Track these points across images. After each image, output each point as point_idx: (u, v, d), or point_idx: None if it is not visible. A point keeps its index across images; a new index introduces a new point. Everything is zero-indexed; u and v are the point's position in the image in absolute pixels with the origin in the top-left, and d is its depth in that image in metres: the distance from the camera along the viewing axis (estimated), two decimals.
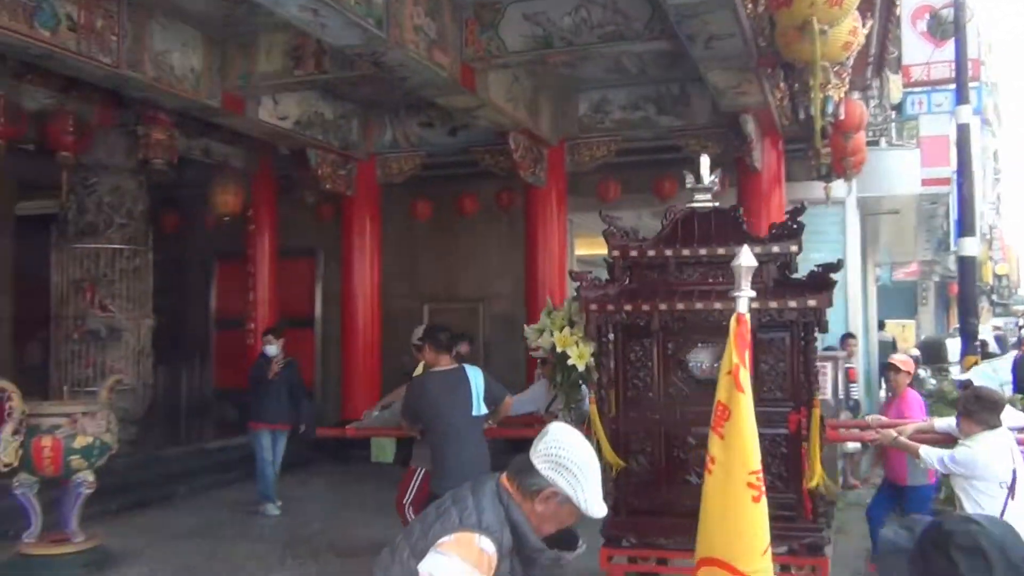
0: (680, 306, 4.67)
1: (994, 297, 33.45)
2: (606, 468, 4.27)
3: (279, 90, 8.66)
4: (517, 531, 2.24)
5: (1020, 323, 26.87)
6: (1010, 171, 41.19)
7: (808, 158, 10.12)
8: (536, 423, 5.47)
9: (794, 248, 4.76)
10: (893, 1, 8.70)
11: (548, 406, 6.18)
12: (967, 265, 10.08)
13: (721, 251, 4.83)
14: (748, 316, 3.01)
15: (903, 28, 11.01)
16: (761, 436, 3.08)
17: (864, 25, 6.49)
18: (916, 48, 11.87)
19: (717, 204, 5.06)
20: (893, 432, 5.16)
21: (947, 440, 4.83)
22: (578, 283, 4.98)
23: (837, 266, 4.69)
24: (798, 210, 4.95)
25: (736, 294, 3.01)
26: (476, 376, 5.23)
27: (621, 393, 5.01)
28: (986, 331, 15.37)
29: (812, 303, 4.48)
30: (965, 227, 10.08)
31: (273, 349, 8.31)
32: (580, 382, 5.91)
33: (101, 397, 6.63)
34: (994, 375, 8.46)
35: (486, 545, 2.15)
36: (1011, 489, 4.40)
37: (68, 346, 9.22)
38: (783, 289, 4.61)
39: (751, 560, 2.88)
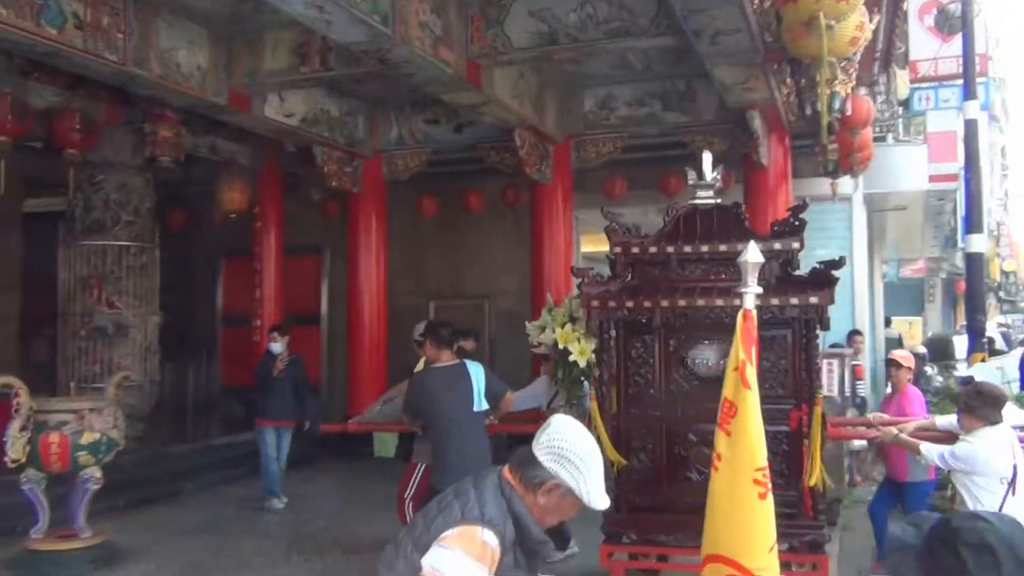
0: (682, 303, 4.67)
1: (1001, 294, 33.33)
2: (607, 465, 4.27)
3: (285, 87, 8.67)
4: (520, 523, 2.24)
5: None
6: (1018, 167, 41.04)
7: (815, 154, 10.09)
8: (538, 419, 5.48)
9: (796, 245, 4.76)
10: None
11: (550, 402, 6.19)
12: (974, 262, 10.04)
13: (723, 248, 4.82)
14: (755, 312, 3.00)
15: (910, 23, 10.98)
16: None
17: (871, 20, 6.47)
18: (923, 43, 11.83)
19: (719, 201, 5.06)
20: (894, 430, 5.16)
21: (949, 438, 4.82)
22: (580, 279, 4.98)
23: (839, 263, 4.68)
24: (799, 207, 4.94)
25: (743, 290, 3.00)
26: (477, 372, 5.24)
27: (622, 390, 5.01)
28: (991, 328, 15.33)
29: (814, 300, 4.47)
30: (972, 223, 10.04)
31: (278, 346, 8.35)
32: (582, 378, 5.92)
33: (108, 394, 6.66)
34: (997, 372, 8.44)
35: (489, 538, 2.15)
36: (1011, 484, 4.40)
37: (75, 343, 9.25)
38: (785, 286, 4.60)
39: (757, 557, 2.87)
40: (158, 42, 7.25)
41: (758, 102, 8.33)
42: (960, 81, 10.41)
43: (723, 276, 4.86)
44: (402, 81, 7.61)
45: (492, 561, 2.16)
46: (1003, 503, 4.33)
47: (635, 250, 5.02)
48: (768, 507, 2.91)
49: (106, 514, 7.19)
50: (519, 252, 11.21)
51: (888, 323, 15.97)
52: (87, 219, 9.30)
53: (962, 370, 10.06)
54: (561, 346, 5.87)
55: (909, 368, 6.39)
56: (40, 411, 6.12)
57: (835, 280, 4.58)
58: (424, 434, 5.55)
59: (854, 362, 9.35)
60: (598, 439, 4.52)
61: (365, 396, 10.06)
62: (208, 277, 13.99)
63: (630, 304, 4.77)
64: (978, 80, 10.25)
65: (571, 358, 5.81)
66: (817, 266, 4.77)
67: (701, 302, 4.64)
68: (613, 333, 4.97)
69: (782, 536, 4.25)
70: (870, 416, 5.77)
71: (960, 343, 13.72)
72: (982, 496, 4.43)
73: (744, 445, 2.91)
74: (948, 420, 5.09)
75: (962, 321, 21.05)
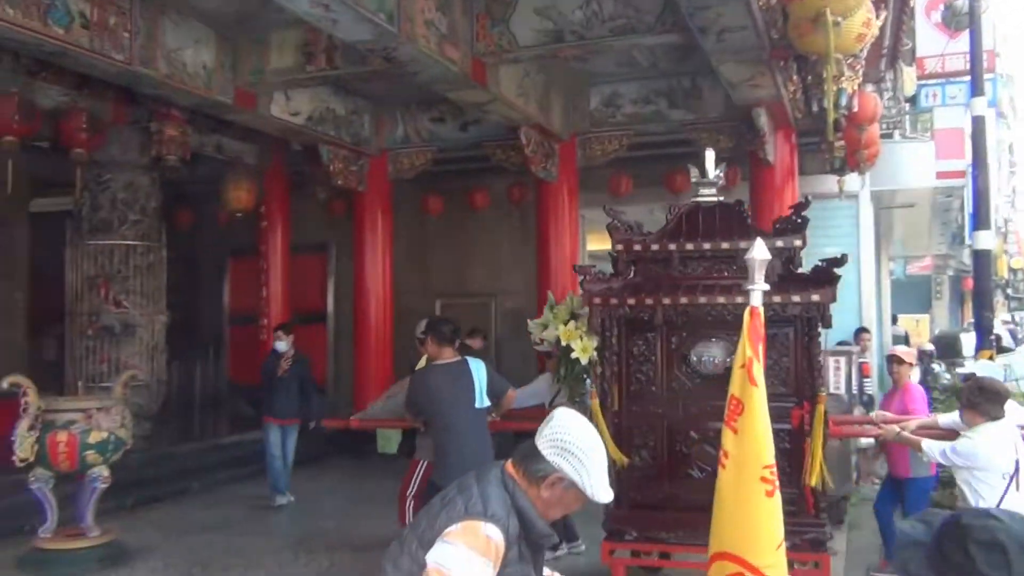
0: (683, 300, 4.66)
1: (1009, 291, 33.20)
2: (609, 462, 4.28)
3: (291, 86, 8.68)
4: (523, 517, 2.24)
5: None
6: None
7: (821, 151, 10.06)
8: (542, 416, 5.47)
9: (798, 242, 4.75)
10: None
11: (552, 400, 6.19)
12: (982, 259, 10.02)
13: (725, 245, 4.82)
14: (762, 309, 2.99)
15: (917, 19, 10.95)
16: None
17: (878, 16, 6.43)
18: (930, 40, 11.81)
19: (722, 198, 5.05)
20: (896, 428, 5.17)
21: (951, 436, 4.82)
22: (582, 276, 4.98)
23: (841, 261, 4.68)
24: (802, 204, 4.94)
25: (749, 287, 2.99)
26: (479, 369, 5.24)
27: (624, 387, 5.02)
28: (996, 325, 15.28)
29: (816, 298, 4.47)
30: (980, 220, 10.01)
31: (283, 345, 8.39)
32: (584, 376, 5.92)
33: (116, 393, 6.68)
34: (1000, 370, 8.41)
35: (492, 532, 2.15)
36: (1013, 479, 4.39)
37: (83, 342, 9.28)
38: (787, 284, 4.60)
39: (765, 554, 2.87)
40: (164, 41, 7.27)
41: (764, 99, 8.31)
42: (967, 77, 10.40)
43: (725, 273, 4.87)
44: (408, 79, 7.60)
45: (496, 555, 2.15)
46: (1003, 497, 4.33)
47: (637, 247, 5.02)
48: (776, 505, 2.91)
49: (114, 513, 7.22)
50: (525, 250, 11.21)
51: (894, 320, 15.93)
52: (94, 218, 9.33)
53: (970, 367, 10.03)
54: (563, 343, 5.87)
55: (911, 364, 6.40)
56: (48, 410, 6.15)
57: (837, 278, 4.58)
58: (426, 431, 5.55)
59: (861, 360, 9.33)
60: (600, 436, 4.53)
61: (371, 394, 10.06)
62: (214, 276, 14.02)
63: (632, 301, 4.77)
64: (985, 76, 10.23)
65: (573, 355, 5.82)
66: (819, 264, 4.76)
67: (703, 299, 4.63)
68: (615, 330, 4.97)
69: (784, 534, 4.26)
70: (873, 414, 5.77)
71: (968, 340, 13.68)
72: (984, 492, 4.42)
73: (751, 442, 2.90)
74: (951, 418, 5.09)
75: (970, 318, 20.98)
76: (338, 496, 8.86)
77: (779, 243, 4.68)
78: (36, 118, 8.09)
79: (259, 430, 8.61)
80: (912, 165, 12.05)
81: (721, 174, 5.08)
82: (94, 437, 6.20)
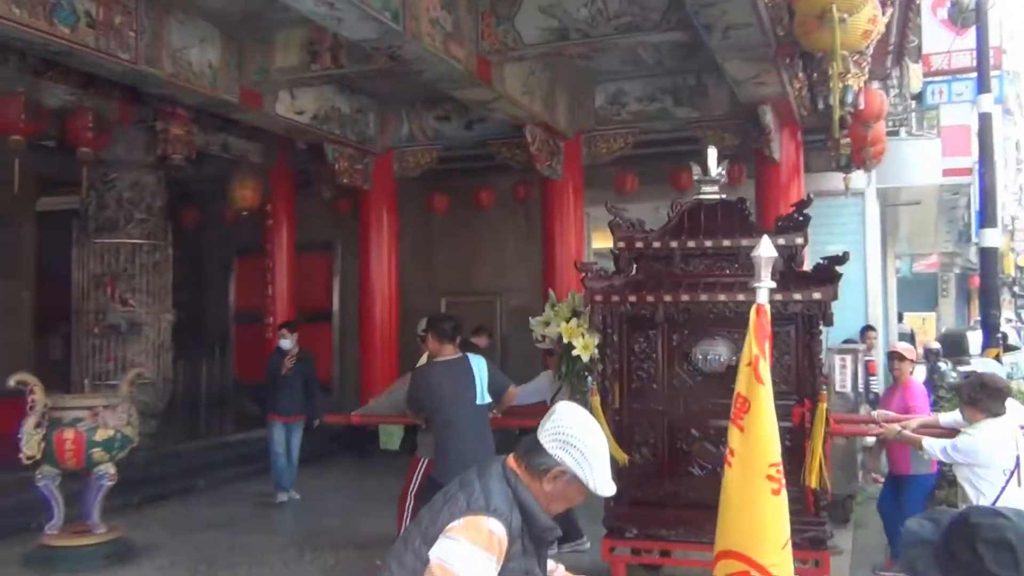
0: (685, 297, 4.66)
1: (1016, 289, 33.07)
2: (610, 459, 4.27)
3: (296, 85, 8.69)
4: (526, 511, 2.23)
5: None
6: None
7: (827, 149, 10.03)
8: (542, 413, 5.47)
9: (799, 240, 4.74)
10: None
11: (553, 397, 6.19)
12: (989, 257, 9.97)
13: (727, 243, 4.82)
14: (768, 307, 2.99)
15: (923, 16, 10.89)
16: None
17: (884, 13, 6.42)
18: (937, 36, 11.75)
19: (724, 196, 5.05)
20: (897, 426, 5.16)
21: (952, 435, 4.82)
22: (584, 274, 4.98)
23: (843, 259, 4.67)
24: (804, 202, 4.94)
25: (756, 285, 2.99)
26: (480, 365, 5.24)
27: (625, 385, 5.02)
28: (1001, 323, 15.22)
29: (817, 296, 4.47)
30: (987, 218, 9.96)
31: (287, 343, 8.43)
32: (585, 373, 5.92)
33: (122, 391, 6.70)
34: (1008, 368, 8.38)
35: (495, 527, 2.15)
36: (1014, 475, 4.38)
37: (89, 340, 9.31)
38: (788, 281, 4.59)
39: (771, 553, 2.86)
40: (170, 41, 7.28)
41: (770, 97, 8.29)
42: (974, 74, 10.34)
43: (726, 271, 4.87)
44: (413, 78, 7.60)
45: (500, 550, 2.15)
46: (1003, 491, 4.32)
47: (639, 245, 5.03)
48: (782, 503, 2.90)
49: (120, 510, 7.24)
50: (530, 248, 11.21)
51: (900, 319, 15.88)
52: (100, 217, 9.35)
53: (975, 365, 9.99)
54: (565, 341, 5.88)
55: (911, 361, 6.39)
56: (55, 408, 6.17)
57: (839, 276, 4.57)
58: (427, 428, 5.56)
59: (867, 358, 9.29)
60: None
61: (377, 392, 10.06)
62: (220, 274, 14.05)
63: (633, 299, 4.77)
64: (992, 73, 10.17)
65: (574, 353, 5.82)
66: (821, 262, 4.76)
67: (704, 297, 4.64)
68: (616, 328, 4.97)
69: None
70: (875, 413, 5.76)
71: (974, 338, 13.63)
72: (985, 488, 4.42)
73: (757, 440, 2.89)
74: (952, 417, 5.09)
75: (976, 316, 20.92)
76: (343, 494, 8.87)
77: (781, 241, 4.67)
78: (42, 117, 8.11)
79: (264, 428, 8.64)
80: (918, 162, 12.01)
81: (723, 171, 5.07)
82: (100, 435, 6.22)
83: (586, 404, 5.22)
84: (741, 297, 4.56)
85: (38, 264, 11.59)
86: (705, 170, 5.01)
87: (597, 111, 9.69)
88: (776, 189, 9.30)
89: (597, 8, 7.02)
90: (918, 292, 23.73)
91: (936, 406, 7.32)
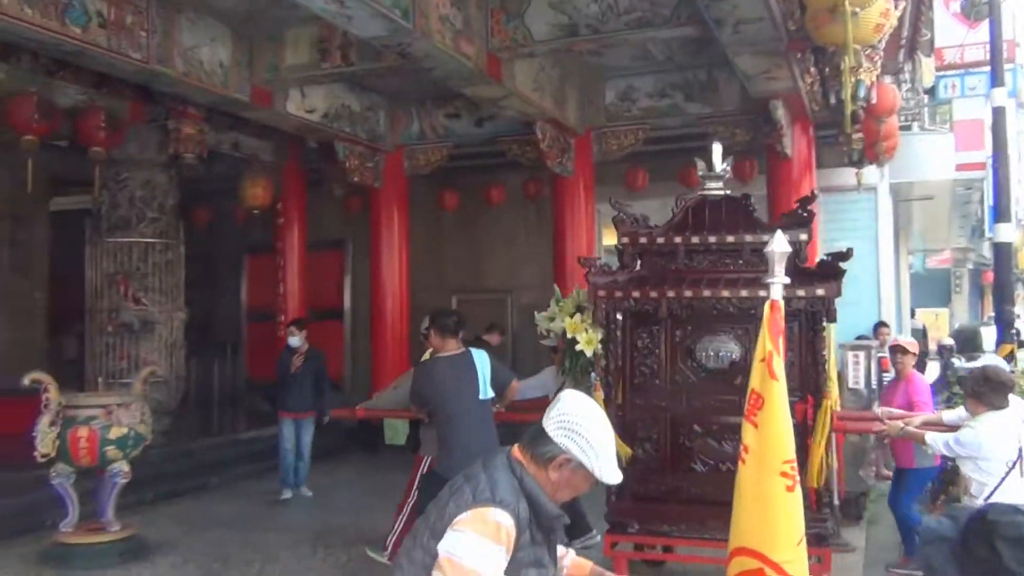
0: (688, 293, 4.65)
1: None
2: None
3: (306, 83, 8.70)
4: (533, 501, 2.23)
5: None
6: None
7: (839, 144, 9.98)
8: (546, 407, 5.47)
9: (804, 236, 4.72)
10: None
11: (557, 392, 6.18)
12: (1003, 252, 9.88)
13: (731, 238, 4.82)
14: (782, 303, 2.97)
15: (936, 9, 10.82)
16: None
17: (896, 7, 6.38)
18: (949, 30, 11.68)
19: (728, 192, 5.04)
20: (900, 423, 5.16)
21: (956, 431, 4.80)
22: (587, 269, 4.98)
23: (847, 255, 4.66)
24: (808, 198, 4.92)
25: (769, 280, 2.97)
26: (483, 360, 5.24)
27: (628, 380, 5.02)
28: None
29: (820, 292, 4.46)
30: (1000, 213, 9.88)
31: (296, 341, 8.47)
32: (589, 369, 5.92)
33: (135, 389, 6.73)
34: (1022, 364, 8.32)
35: (502, 518, 2.15)
36: (1016, 465, 4.37)
37: (102, 339, 9.35)
38: (792, 278, 4.57)
39: (785, 550, 2.84)
40: (181, 40, 7.30)
41: (781, 91, 8.24)
42: (987, 68, 10.25)
43: (730, 267, 4.86)
44: (423, 75, 7.61)
45: (508, 541, 2.15)
46: (1003, 480, 4.31)
47: (643, 240, 5.02)
48: (796, 500, 2.88)
49: (134, 508, 7.28)
50: (541, 246, 11.19)
51: (912, 315, 15.79)
52: (113, 216, 9.40)
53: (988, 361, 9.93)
54: (568, 336, 5.89)
55: (914, 355, 6.42)
56: (69, 406, 6.20)
57: (842, 272, 4.56)
58: (430, 423, 5.57)
59: (880, 354, 9.24)
60: None
61: None
62: (232, 273, 14.10)
63: (636, 294, 4.77)
64: (1006, 67, 10.08)
65: (578, 348, 5.84)
66: (825, 258, 4.74)
67: (707, 293, 4.63)
68: (620, 323, 4.97)
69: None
70: (878, 410, 5.75)
71: (988, 334, 13.54)
72: (989, 481, 4.41)
73: (772, 437, 2.87)
74: (955, 414, 5.08)
75: (990, 312, 20.77)
76: (355, 490, 8.89)
77: (785, 237, 4.66)
78: (55, 117, 8.15)
79: (276, 425, 8.67)
80: (931, 157, 11.93)
81: (728, 167, 5.06)
82: (114, 433, 6.25)
83: None
84: (744, 293, 4.55)
85: (51, 263, 11.65)
86: (710, 166, 5.01)
87: (607, 107, 9.67)
88: (788, 185, 9.25)
89: (607, 4, 7.00)
90: (931, 288, 23.58)
91: (950, 402, 7.29)
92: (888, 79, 9.64)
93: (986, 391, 4.53)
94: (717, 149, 5.00)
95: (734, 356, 4.89)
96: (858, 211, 11.48)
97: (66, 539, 6.25)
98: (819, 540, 4.58)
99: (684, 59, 8.86)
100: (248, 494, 8.68)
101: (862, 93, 6.90)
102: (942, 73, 12.24)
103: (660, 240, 4.98)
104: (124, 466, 6.36)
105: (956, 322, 21.64)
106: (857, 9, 5.67)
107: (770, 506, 2.87)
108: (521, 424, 5.78)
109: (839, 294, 4.49)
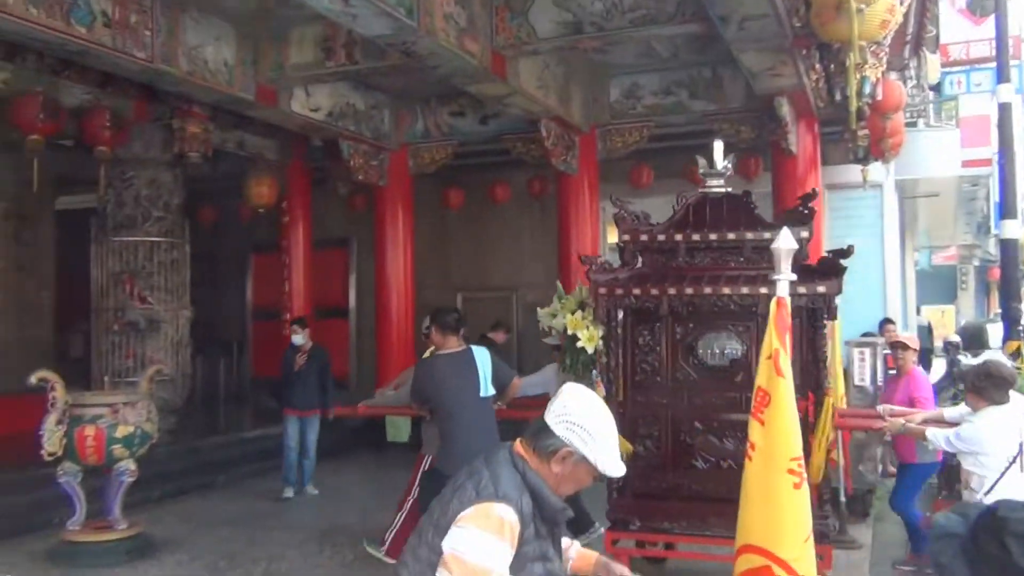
0: (689, 290, 4.65)
1: None
2: None
3: (311, 82, 8.71)
4: (536, 495, 2.23)
5: None
6: None
7: (845, 141, 9.95)
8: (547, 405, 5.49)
9: (804, 234, 4.72)
10: None
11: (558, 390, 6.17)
12: (1009, 248, 9.88)
13: (731, 236, 4.82)
14: (788, 299, 2.97)
15: (941, 5, 10.79)
16: None
17: (902, 3, 6.35)
18: (955, 26, 11.65)
19: (729, 189, 5.04)
20: (901, 420, 5.16)
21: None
22: (588, 266, 4.98)
23: (847, 252, 4.66)
24: (809, 196, 4.92)
25: (776, 277, 2.97)
26: (483, 357, 5.24)
27: (629, 377, 5.03)
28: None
29: (821, 289, 4.45)
30: (1007, 209, 9.87)
31: (299, 339, 8.50)
32: (591, 366, 5.92)
33: (142, 387, 6.74)
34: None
35: (505, 513, 2.15)
36: (1016, 460, 4.37)
37: (109, 337, 9.37)
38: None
39: (792, 547, 2.84)
40: (185, 39, 7.31)
41: (786, 88, 8.23)
42: (993, 64, 10.24)
43: (731, 264, 4.86)
44: (427, 73, 7.60)
45: (512, 535, 2.15)
46: (1004, 474, 4.31)
47: (644, 238, 5.02)
48: (803, 497, 2.88)
49: (141, 506, 7.29)
50: (546, 243, 11.19)
51: (917, 312, 15.76)
52: (118, 215, 9.42)
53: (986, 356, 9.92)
54: (569, 332, 5.89)
55: (915, 351, 6.42)
56: (76, 405, 6.22)
57: (843, 269, 4.56)
58: (431, 420, 5.58)
59: (886, 351, 9.22)
60: None
61: None
62: (237, 272, 14.13)
63: (637, 292, 4.77)
64: (1012, 63, 10.06)
65: (579, 344, 5.84)
66: (826, 255, 4.74)
67: (708, 290, 4.63)
68: (621, 320, 4.97)
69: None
70: (879, 407, 5.74)
71: (994, 331, 13.52)
72: (989, 476, 4.42)
73: (778, 434, 2.87)
74: (957, 411, 5.09)
75: (996, 309, 20.73)
76: (361, 489, 8.91)
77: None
78: (60, 117, 8.17)
79: (281, 423, 8.69)
80: (937, 154, 11.90)
81: (729, 165, 5.06)
82: (121, 431, 6.27)
83: None
84: (745, 290, 4.56)
85: (57, 262, 11.68)
86: (711, 163, 5.00)
87: (612, 105, 9.66)
88: (793, 182, 9.23)
89: (612, 1, 6.99)
90: (937, 285, 23.56)
91: (956, 399, 7.27)
92: (894, 75, 9.61)
93: (987, 386, 4.54)
94: (718, 146, 5.01)
95: (735, 353, 4.90)
96: (864, 208, 11.46)
97: (73, 537, 6.27)
98: (820, 537, 4.57)
99: (689, 56, 8.84)
100: (254, 492, 8.70)
101: (867, 90, 6.88)
102: (948, 69, 12.22)
103: (661, 237, 4.98)
104: (131, 464, 6.37)
105: (962, 319, 21.61)
106: (862, 5, 5.65)
107: (777, 503, 2.87)
108: (522, 421, 5.80)
109: (840, 291, 4.50)
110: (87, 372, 9.59)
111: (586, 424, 2.23)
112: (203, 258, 11.61)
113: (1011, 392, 4.59)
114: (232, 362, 13.66)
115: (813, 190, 5.07)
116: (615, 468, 2.27)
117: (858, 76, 6.53)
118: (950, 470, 6.41)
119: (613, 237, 12.56)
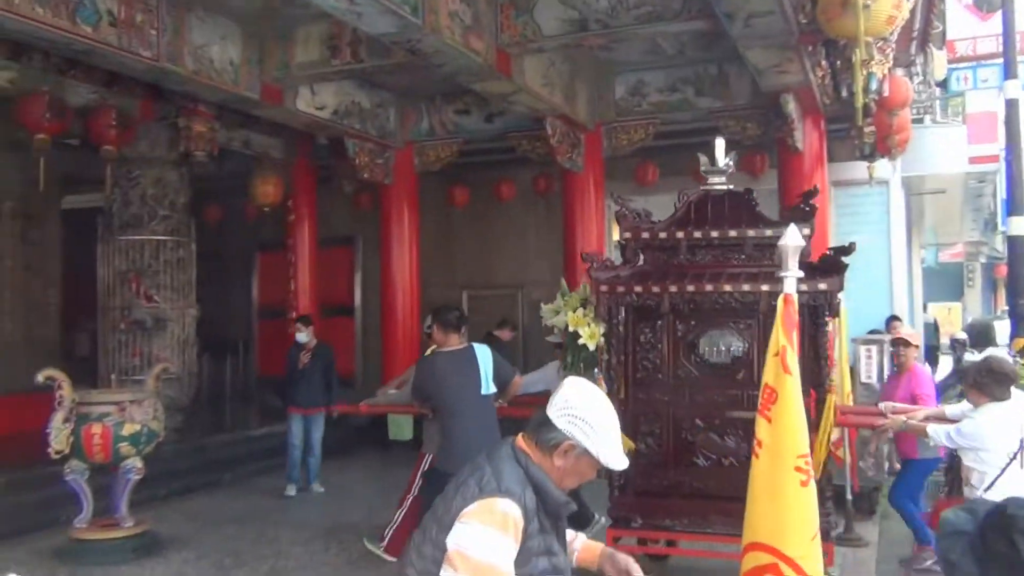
0: (690, 288, 4.65)
1: None
2: None
3: (317, 80, 8.71)
4: (539, 489, 2.23)
5: None
6: None
7: (851, 137, 9.93)
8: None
9: (806, 231, 4.70)
10: None
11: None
12: (1016, 245, 9.81)
13: (733, 233, 4.81)
14: (796, 296, 2.96)
15: (948, 1, 10.74)
16: None
17: None
18: (961, 22, 11.60)
19: (731, 186, 5.03)
20: (903, 417, 5.15)
21: None
22: (589, 264, 4.98)
23: (849, 249, 4.65)
24: (810, 192, 4.91)
25: (783, 274, 2.96)
26: (484, 355, 5.24)
27: (630, 375, 5.02)
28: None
29: (823, 286, 4.44)
30: (1014, 206, 9.81)
31: (304, 337, 8.52)
32: (593, 363, 5.92)
33: (148, 385, 6.76)
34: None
35: (509, 508, 2.14)
36: (1017, 456, 4.35)
37: (115, 336, 9.40)
38: None
39: (799, 545, 2.84)
40: (191, 38, 7.33)
41: (792, 85, 8.21)
42: (999, 60, 10.18)
43: (733, 262, 4.85)
44: (432, 72, 7.61)
45: (516, 530, 2.15)
46: (1004, 471, 4.30)
47: (645, 235, 5.02)
48: (810, 495, 2.87)
49: (147, 504, 7.32)
50: (551, 241, 11.19)
51: (924, 309, 15.71)
52: (124, 214, 9.44)
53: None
54: (571, 329, 5.89)
55: (917, 347, 6.43)
56: (82, 403, 6.25)
57: (844, 266, 4.55)
58: (432, 417, 5.58)
59: (892, 348, 9.20)
60: None
61: None
62: (243, 270, 14.15)
63: (639, 289, 4.77)
64: (1019, 59, 9.98)
65: (580, 341, 5.85)
66: (827, 252, 4.73)
67: (709, 287, 4.62)
68: (622, 318, 4.97)
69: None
70: (881, 405, 5.74)
71: (1001, 328, 13.46)
72: (990, 472, 4.40)
73: (785, 431, 2.86)
74: (958, 408, 5.07)
75: (1003, 306, 20.66)
76: (366, 486, 8.92)
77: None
78: (66, 116, 8.19)
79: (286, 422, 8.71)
80: (943, 150, 11.86)
81: (731, 162, 5.05)
82: (127, 429, 6.29)
83: None
84: (747, 287, 4.55)
85: (64, 261, 11.71)
86: (712, 160, 4.99)
87: (618, 102, 9.64)
88: (799, 179, 9.20)
89: None
90: (944, 282, 23.49)
91: (962, 397, 7.24)
92: (900, 72, 9.58)
93: (988, 382, 4.53)
94: (719, 144, 5.00)
95: (737, 351, 4.90)
96: (870, 205, 11.43)
97: (80, 535, 6.30)
98: (823, 535, 4.57)
99: (695, 53, 8.83)
100: (260, 490, 8.72)
101: (874, 86, 6.84)
102: (954, 65, 12.16)
103: (662, 235, 4.98)
104: (137, 462, 6.39)
105: (969, 316, 21.53)
106: (869, 1, 5.63)
107: (784, 501, 2.86)
108: (523, 419, 5.81)
109: (841, 288, 4.50)
110: (94, 370, 9.62)
111: (588, 417, 2.23)
112: (209, 257, 11.62)
113: (1012, 388, 4.58)
114: (238, 360, 13.68)
115: (815, 187, 5.06)
116: (617, 461, 2.26)
117: (864, 72, 6.49)
118: (955, 470, 6.41)
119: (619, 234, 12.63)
